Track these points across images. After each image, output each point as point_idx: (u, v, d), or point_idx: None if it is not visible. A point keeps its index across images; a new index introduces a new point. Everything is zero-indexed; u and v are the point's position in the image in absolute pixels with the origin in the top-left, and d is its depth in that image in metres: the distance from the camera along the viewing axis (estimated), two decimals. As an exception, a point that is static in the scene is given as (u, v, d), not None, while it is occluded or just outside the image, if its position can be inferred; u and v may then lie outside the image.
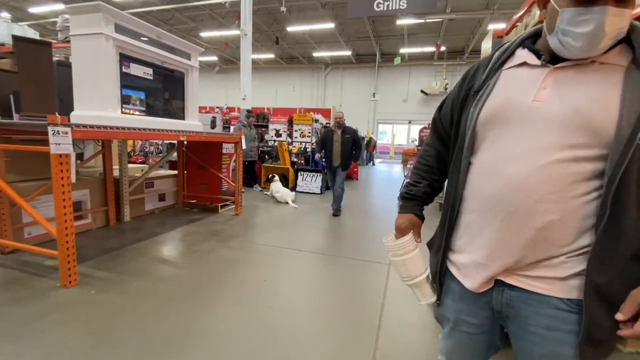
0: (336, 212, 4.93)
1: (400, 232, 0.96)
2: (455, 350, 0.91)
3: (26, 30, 5.64)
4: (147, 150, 10.11)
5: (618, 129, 0.63)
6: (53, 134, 2.06)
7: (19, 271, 2.51)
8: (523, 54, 0.79)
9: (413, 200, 1.00)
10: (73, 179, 2.22)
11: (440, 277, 0.89)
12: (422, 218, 1.00)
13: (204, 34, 15.12)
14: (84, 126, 2.28)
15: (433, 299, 0.91)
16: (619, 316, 0.66)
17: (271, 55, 18.52)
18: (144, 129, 2.95)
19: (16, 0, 12.90)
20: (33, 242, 2.91)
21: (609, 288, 0.66)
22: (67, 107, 2.95)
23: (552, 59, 0.73)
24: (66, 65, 3.57)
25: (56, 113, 2.12)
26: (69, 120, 2.26)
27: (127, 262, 2.80)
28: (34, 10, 13.41)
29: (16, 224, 2.88)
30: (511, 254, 0.72)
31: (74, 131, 2.17)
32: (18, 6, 13.34)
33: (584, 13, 0.64)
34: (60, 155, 2.14)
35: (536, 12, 4.77)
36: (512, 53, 0.82)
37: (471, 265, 0.80)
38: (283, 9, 10.06)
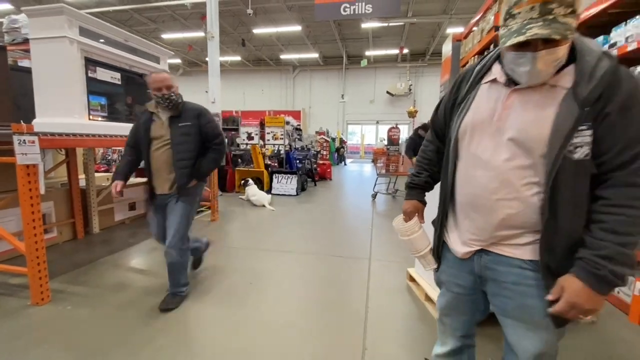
0: (168, 305, 2.16)
1: (407, 215, 1.16)
2: (447, 307, 1.12)
3: (-36, 32, 5.16)
4: (109, 158, 9.58)
5: (550, 145, 0.79)
6: (19, 143, 1.94)
7: (-19, 292, 2.33)
8: (496, 71, 0.92)
9: (416, 188, 1.19)
10: (42, 190, 2.11)
11: (439, 249, 1.10)
12: (424, 203, 1.20)
13: (166, 36, 14.57)
14: (52, 134, 2.17)
15: (435, 266, 1.13)
16: (549, 297, 0.84)
17: (238, 58, 18.24)
18: (114, 136, 2.84)
19: (-52, -2, 11.67)
20: (-7, 261, 2.70)
21: (557, 269, 0.84)
22: (24, 114, 2.77)
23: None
24: (18, 70, 3.35)
25: (21, 121, 2.00)
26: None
27: (102, 275, 2.69)
28: (-30, 9, 12.20)
29: (-28, 242, 2.65)
30: (484, 237, 0.94)
31: (40, 140, 2.06)
32: (-49, 4, 12.07)
33: (521, 56, 0.78)
34: (28, 166, 2.02)
35: (491, 17, 5.11)
36: (489, 68, 0.95)
37: (458, 243, 1.02)
38: (250, 11, 9.99)
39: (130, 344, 1.79)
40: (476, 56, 5.83)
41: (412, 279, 2.56)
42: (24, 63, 4.64)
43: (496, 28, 4.47)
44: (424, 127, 5.74)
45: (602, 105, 0.76)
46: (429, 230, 1.14)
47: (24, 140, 1.96)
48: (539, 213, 0.84)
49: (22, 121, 2.01)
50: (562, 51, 0.77)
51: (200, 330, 1.95)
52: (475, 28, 5.77)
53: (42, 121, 2.56)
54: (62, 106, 2.60)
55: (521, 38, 0.74)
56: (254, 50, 17.07)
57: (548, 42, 0.75)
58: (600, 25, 2.46)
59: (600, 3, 2.30)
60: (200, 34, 11.32)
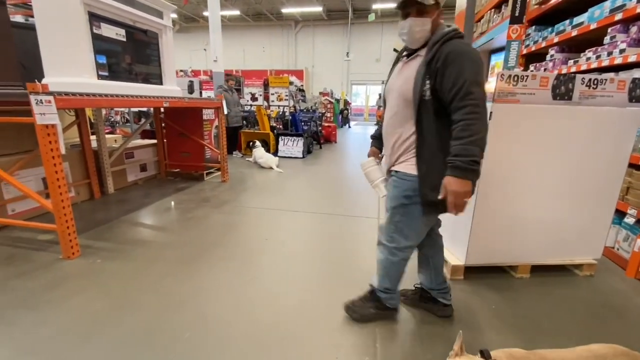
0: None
1: (369, 156, 1.72)
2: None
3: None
4: (112, 119, 9.48)
5: (414, 93, 1.30)
6: (36, 103, 1.94)
7: (13, 247, 2.47)
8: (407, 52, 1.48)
9: (375, 138, 1.75)
10: (62, 149, 2.15)
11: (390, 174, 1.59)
12: (380, 148, 1.71)
13: (160, -12, 13.67)
14: (66, 94, 2.16)
15: (385, 194, 1.58)
16: (440, 196, 1.26)
17: (237, 12, 17.26)
18: (126, 96, 2.81)
19: None
20: (19, 219, 2.82)
21: (427, 175, 1.33)
22: (30, 74, 2.71)
23: (409, 54, 1.42)
24: (20, 27, 3.22)
25: (35, 80, 1.98)
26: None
27: (125, 232, 2.82)
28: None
29: (-2, 201, 2.76)
30: (389, 158, 1.51)
31: (56, 100, 2.05)
32: None
33: (402, 27, 1.33)
34: (47, 126, 2.04)
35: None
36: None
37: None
38: (249, -41, 9.26)
39: (158, 292, 1.94)
40: (493, 10, 5.50)
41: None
42: (16, 18, 4.44)
43: (517, -22, 4.17)
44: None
45: (435, 63, 1.24)
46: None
47: (41, 100, 1.96)
48: (412, 139, 1.37)
49: (36, 80, 2.00)
50: (427, 24, 1.29)
51: (221, 280, 2.08)
52: (493, -22, 5.37)
53: (52, 81, 2.52)
54: (70, 65, 2.55)
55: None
56: (254, 3, 16.10)
57: (420, 14, 1.27)
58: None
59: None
60: (197, -15, 10.61)
